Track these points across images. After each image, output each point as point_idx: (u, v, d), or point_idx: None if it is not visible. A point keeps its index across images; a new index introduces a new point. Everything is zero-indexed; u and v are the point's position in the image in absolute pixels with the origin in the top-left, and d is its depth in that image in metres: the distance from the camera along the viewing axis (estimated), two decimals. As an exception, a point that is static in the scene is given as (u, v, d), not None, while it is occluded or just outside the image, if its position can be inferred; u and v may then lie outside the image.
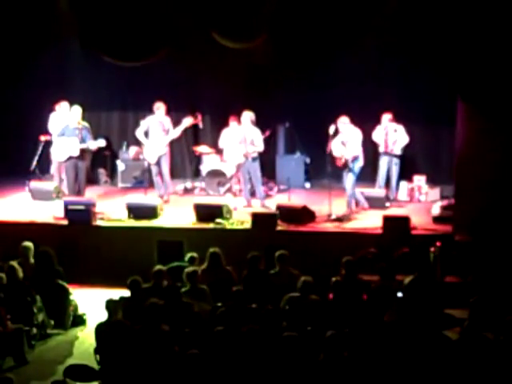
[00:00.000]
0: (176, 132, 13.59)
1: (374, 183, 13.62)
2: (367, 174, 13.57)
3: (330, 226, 11.96)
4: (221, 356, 7.57)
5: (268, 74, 14.30)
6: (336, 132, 12.47)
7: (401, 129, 13.49)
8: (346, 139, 12.46)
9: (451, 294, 9.82)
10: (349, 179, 12.57)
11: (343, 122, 12.48)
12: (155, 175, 13.66)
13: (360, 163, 12.61)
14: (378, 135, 13.49)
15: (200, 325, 8.48)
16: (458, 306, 9.37)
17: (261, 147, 13.11)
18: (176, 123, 13.73)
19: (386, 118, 13.45)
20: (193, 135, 15.15)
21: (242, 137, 13.11)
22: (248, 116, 13.13)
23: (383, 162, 13.60)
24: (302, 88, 14.51)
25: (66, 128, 13.20)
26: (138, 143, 14.51)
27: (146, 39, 11.81)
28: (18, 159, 14.77)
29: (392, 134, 13.46)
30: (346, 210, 12.58)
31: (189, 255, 10.18)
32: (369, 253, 10.95)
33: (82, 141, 13.07)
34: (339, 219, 12.11)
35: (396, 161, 13.57)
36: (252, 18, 11.50)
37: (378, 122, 13.50)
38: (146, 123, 13.53)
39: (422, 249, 10.66)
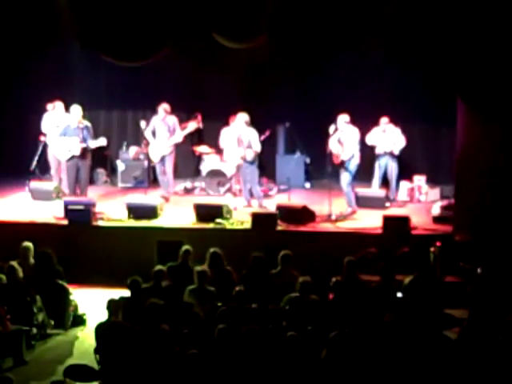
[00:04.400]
0: (179, 136, 13.62)
1: (370, 183, 13.63)
2: (363, 174, 13.57)
3: (330, 226, 11.98)
4: (221, 356, 7.57)
5: (268, 74, 14.31)
6: (335, 130, 12.51)
7: (398, 131, 13.51)
8: (343, 138, 12.49)
9: (451, 294, 9.81)
10: (344, 177, 12.61)
11: (343, 120, 12.51)
12: (159, 174, 13.72)
13: (356, 161, 12.63)
14: (374, 137, 13.48)
15: (200, 325, 8.48)
16: (457, 306, 9.37)
17: (258, 148, 13.08)
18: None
19: (385, 120, 13.46)
20: (193, 135, 15.15)
21: (238, 138, 13.10)
22: (243, 118, 13.11)
23: (382, 163, 13.60)
24: (302, 88, 14.54)
25: (68, 128, 13.23)
26: (137, 143, 14.53)
27: (146, 39, 11.80)
28: (18, 159, 14.76)
29: (391, 135, 13.47)
30: (347, 209, 12.60)
31: (184, 248, 10.19)
32: (369, 253, 10.95)
33: (83, 140, 13.09)
34: (336, 219, 12.13)
35: (394, 160, 13.58)
36: (252, 18, 11.50)
37: (376, 122, 13.50)
38: (152, 123, 13.61)
39: (422, 249, 10.66)
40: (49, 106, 14.08)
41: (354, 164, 12.60)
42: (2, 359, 8.94)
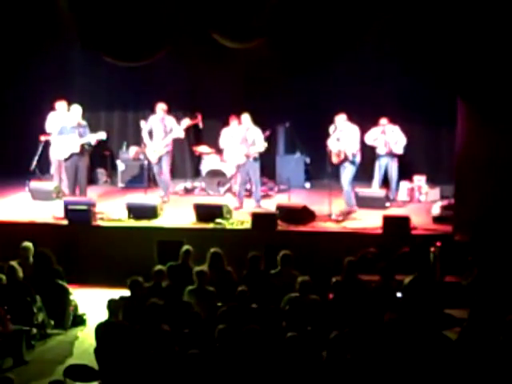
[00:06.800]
0: (179, 132, 13.61)
1: (370, 183, 13.64)
2: (363, 174, 13.56)
3: (330, 226, 11.97)
4: (221, 356, 7.57)
5: (268, 74, 14.30)
6: (335, 130, 12.55)
7: (397, 129, 13.52)
8: (343, 136, 12.53)
9: (451, 294, 9.82)
10: (346, 173, 12.62)
11: (341, 120, 12.57)
12: (157, 174, 13.71)
13: (359, 158, 12.67)
14: (373, 138, 13.47)
15: (200, 325, 8.48)
16: (457, 306, 9.37)
17: (262, 147, 13.11)
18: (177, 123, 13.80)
19: (384, 121, 13.46)
20: (193, 135, 15.17)
21: (243, 137, 13.12)
22: (248, 117, 13.14)
23: (383, 164, 13.60)
24: (302, 88, 14.53)
25: (64, 128, 13.16)
26: (137, 143, 14.53)
27: (146, 39, 11.81)
28: (18, 159, 14.76)
29: (391, 135, 13.47)
30: (346, 208, 12.59)
31: (184, 248, 10.18)
32: (369, 253, 10.94)
33: (81, 136, 13.03)
34: (338, 219, 12.15)
35: (394, 160, 13.57)
36: (252, 18, 11.50)
37: (375, 123, 13.50)
38: (149, 123, 13.57)
39: (422, 249, 10.65)
40: (57, 106, 14.01)
41: (358, 160, 12.63)
42: (1, 359, 8.94)
